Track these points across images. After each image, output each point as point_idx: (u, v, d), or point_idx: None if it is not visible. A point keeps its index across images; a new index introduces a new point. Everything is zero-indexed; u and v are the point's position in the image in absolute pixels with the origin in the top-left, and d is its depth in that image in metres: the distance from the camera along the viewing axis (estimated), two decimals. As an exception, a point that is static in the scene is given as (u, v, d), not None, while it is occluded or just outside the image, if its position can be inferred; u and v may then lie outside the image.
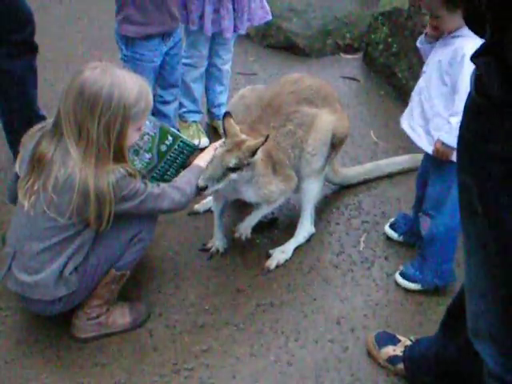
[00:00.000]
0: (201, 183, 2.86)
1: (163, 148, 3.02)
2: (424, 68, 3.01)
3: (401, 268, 3.30)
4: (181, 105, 4.20)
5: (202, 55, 4.03)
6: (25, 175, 2.63)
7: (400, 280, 3.26)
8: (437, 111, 2.87)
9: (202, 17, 3.80)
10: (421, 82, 3.00)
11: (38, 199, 2.57)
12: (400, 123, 3.10)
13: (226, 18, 3.78)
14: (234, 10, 3.81)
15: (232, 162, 2.89)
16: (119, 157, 2.60)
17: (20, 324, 3.00)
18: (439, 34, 2.91)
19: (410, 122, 3.02)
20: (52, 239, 2.63)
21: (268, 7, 4.05)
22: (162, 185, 2.82)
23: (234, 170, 2.91)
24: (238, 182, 2.99)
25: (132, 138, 2.66)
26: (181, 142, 3.02)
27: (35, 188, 2.58)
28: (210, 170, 2.89)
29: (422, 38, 3.03)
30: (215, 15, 3.79)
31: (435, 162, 2.97)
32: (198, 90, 4.20)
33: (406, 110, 3.10)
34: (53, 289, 2.68)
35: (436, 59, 2.88)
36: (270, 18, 4.10)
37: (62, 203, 2.54)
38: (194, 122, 4.25)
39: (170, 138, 3.00)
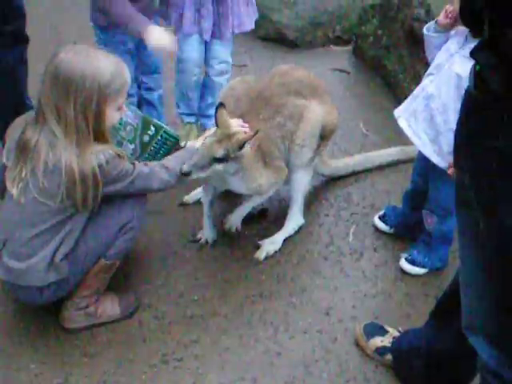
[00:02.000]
0: (185, 168, 2.85)
1: (146, 139, 3.02)
2: (431, 69, 2.92)
3: (403, 256, 3.33)
4: (178, 105, 4.14)
5: (185, 59, 3.83)
6: (12, 164, 2.63)
7: (408, 266, 3.30)
8: (450, 127, 2.77)
9: (182, 15, 3.67)
10: (430, 88, 2.88)
11: (28, 186, 2.57)
12: (396, 116, 3.06)
13: (205, 18, 3.64)
14: (218, 14, 3.67)
15: (219, 152, 2.88)
16: (101, 138, 2.60)
17: (9, 314, 3.00)
18: (452, 25, 2.84)
19: (412, 124, 2.97)
20: (43, 225, 2.63)
21: (254, 14, 3.90)
22: (151, 164, 2.83)
23: (219, 160, 2.90)
24: (223, 173, 2.99)
25: (112, 118, 2.66)
26: (164, 132, 3.02)
27: (23, 175, 2.58)
28: (196, 157, 2.88)
29: (431, 25, 2.94)
30: (196, 15, 3.67)
31: (438, 167, 2.95)
32: (192, 97, 4.04)
33: (405, 107, 3.03)
34: (43, 274, 2.68)
35: (453, 71, 2.78)
36: (253, 26, 3.90)
37: (53, 187, 2.54)
38: (189, 123, 4.14)
39: (152, 128, 3.00)
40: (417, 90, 2.99)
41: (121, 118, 2.83)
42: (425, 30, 2.97)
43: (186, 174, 2.85)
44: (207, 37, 3.73)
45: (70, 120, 2.51)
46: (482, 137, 1.71)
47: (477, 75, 1.72)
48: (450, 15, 2.82)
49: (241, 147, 2.90)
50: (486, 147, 1.69)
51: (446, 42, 2.88)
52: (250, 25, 3.85)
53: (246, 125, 3.04)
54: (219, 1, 3.62)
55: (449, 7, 2.83)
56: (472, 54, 1.71)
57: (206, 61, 3.94)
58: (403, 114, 3.01)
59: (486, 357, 1.95)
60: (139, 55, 3.79)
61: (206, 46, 3.86)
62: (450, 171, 2.81)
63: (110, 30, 3.56)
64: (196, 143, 3.03)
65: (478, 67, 1.71)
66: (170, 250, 3.38)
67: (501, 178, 1.69)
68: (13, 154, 2.63)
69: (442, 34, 2.89)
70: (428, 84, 2.90)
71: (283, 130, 3.21)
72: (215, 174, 2.97)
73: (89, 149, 2.54)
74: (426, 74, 2.97)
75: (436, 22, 2.90)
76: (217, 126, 2.97)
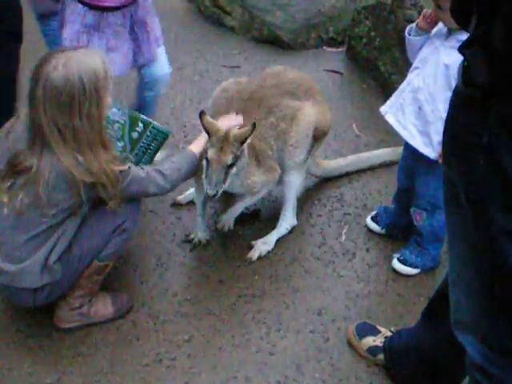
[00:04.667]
0: (211, 192, 2.89)
1: (135, 135, 3.01)
2: (417, 63, 2.96)
3: (395, 256, 3.35)
4: None
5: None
6: (4, 176, 2.61)
7: (400, 267, 3.31)
8: (439, 116, 2.81)
9: None
10: (415, 80, 2.93)
11: (23, 197, 2.56)
12: (383, 113, 3.10)
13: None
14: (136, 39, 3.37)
15: (229, 159, 2.90)
16: (102, 140, 2.60)
17: (2, 314, 3.00)
18: (431, 27, 2.89)
19: (399, 118, 3.00)
20: (37, 228, 2.63)
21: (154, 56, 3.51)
22: (147, 168, 2.84)
23: (232, 165, 2.93)
24: (238, 172, 3.02)
25: (108, 110, 2.69)
26: (152, 127, 3.01)
27: (18, 187, 2.57)
28: (213, 176, 2.89)
29: (412, 27, 2.99)
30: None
31: (426, 160, 2.97)
32: None
33: (391, 103, 3.08)
34: (37, 276, 2.68)
35: (440, 61, 2.81)
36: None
37: (54, 198, 2.54)
38: None
39: (140, 124, 3.00)
40: (402, 85, 3.04)
41: (108, 116, 2.84)
42: (406, 33, 3.02)
43: (215, 195, 2.91)
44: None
45: (77, 132, 2.50)
46: (469, 133, 1.73)
47: (465, 70, 1.74)
48: (428, 20, 2.88)
49: (242, 143, 2.92)
50: (472, 144, 1.72)
51: (427, 40, 2.94)
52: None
53: (240, 117, 3.08)
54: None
55: (426, 11, 2.90)
56: (460, 50, 1.74)
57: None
58: (390, 110, 3.05)
59: (473, 354, 1.97)
60: None
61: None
62: (441, 161, 2.82)
63: (46, 18, 3.58)
64: (193, 148, 3.04)
65: (466, 63, 1.73)
66: (163, 250, 3.39)
67: (488, 175, 1.71)
68: (3, 164, 2.62)
69: (423, 35, 2.94)
70: (414, 77, 2.95)
71: (276, 130, 3.22)
72: (233, 178, 3.00)
73: (92, 153, 2.54)
74: (411, 68, 3.01)
75: (416, 24, 2.95)
76: (208, 134, 2.96)
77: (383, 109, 3.11)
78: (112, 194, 2.62)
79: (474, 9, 1.66)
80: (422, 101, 2.89)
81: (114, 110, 2.88)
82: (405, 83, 3.02)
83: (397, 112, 3.02)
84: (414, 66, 2.99)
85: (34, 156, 2.54)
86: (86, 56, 2.58)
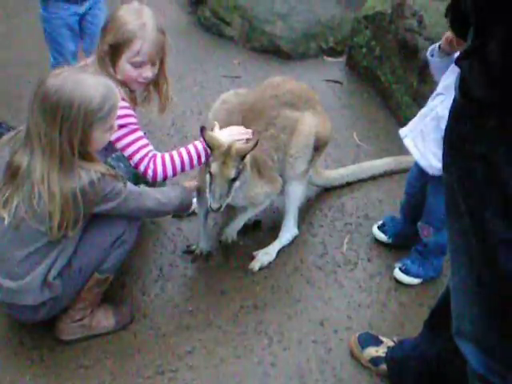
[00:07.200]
0: (215, 206, 2.88)
1: None
2: (440, 89, 2.90)
3: (397, 266, 3.34)
4: None
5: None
6: (2, 185, 2.61)
7: (402, 276, 3.31)
8: None
9: None
10: (439, 108, 2.86)
11: (19, 209, 2.55)
12: (401, 136, 3.06)
13: None
14: None
15: (233, 173, 2.89)
16: (88, 159, 2.57)
17: (4, 326, 3.00)
18: (454, 50, 2.81)
19: (418, 145, 2.97)
20: (35, 244, 2.62)
21: None
22: (143, 186, 2.86)
23: (235, 179, 2.92)
24: (240, 186, 3.01)
25: (102, 140, 2.63)
26: None
27: (14, 198, 2.56)
28: (217, 189, 2.88)
29: (434, 49, 2.90)
30: None
31: (437, 180, 2.93)
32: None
33: (411, 126, 3.03)
34: (37, 293, 2.68)
35: None
36: None
37: (43, 212, 2.53)
38: None
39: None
40: (425, 110, 2.98)
41: (114, 168, 2.85)
42: (428, 55, 2.95)
43: (218, 209, 2.90)
44: None
45: (55, 146, 2.47)
46: (467, 143, 1.74)
47: (462, 82, 1.75)
48: (452, 43, 2.81)
49: (243, 157, 2.91)
50: (471, 153, 1.73)
51: (451, 62, 2.88)
52: None
53: (249, 131, 3.08)
54: None
55: (449, 34, 2.81)
56: (457, 62, 1.74)
57: None
58: (409, 134, 3.01)
59: (474, 363, 1.97)
60: (85, 35, 3.91)
61: None
62: None
63: (54, 4, 3.69)
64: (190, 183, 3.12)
65: (462, 74, 1.74)
66: (164, 261, 3.38)
67: (486, 183, 1.71)
68: (2, 174, 2.62)
69: (446, 58, 2.89)
70: (437, 104, 2.89)
71: (276, 141, 3.22)
72: (236, 191, 2.99)
73: (74, 170, 2.51)
74: (434, 93, 2.94)
75: (439, 46, 2.88)
76: (210, 149, 2.94)
77: (403, 132, 3.05)
78: (64, 223, 2.55)
79: (470, 20, 1.67)
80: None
81: (121, 164, 2.89)
82: (427, 109, 2.96)
83: (416, 138, 2.98)
84: (437, 90, 2.93)
85: (26, 155, 2.54)
86: (92, 81, 2.55)
